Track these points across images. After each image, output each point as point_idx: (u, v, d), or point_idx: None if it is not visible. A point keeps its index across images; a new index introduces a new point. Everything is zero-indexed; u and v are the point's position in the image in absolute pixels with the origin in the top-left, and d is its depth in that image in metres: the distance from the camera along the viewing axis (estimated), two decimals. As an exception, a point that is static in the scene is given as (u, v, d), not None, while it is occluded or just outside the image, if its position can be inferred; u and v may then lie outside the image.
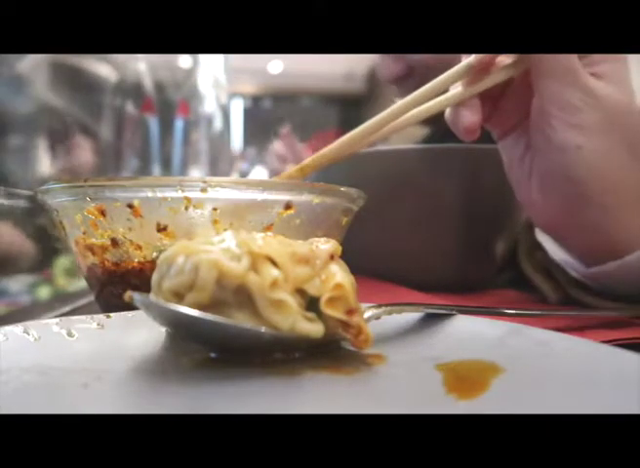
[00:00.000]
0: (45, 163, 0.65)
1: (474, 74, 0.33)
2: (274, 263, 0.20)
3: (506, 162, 0.37)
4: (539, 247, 0.40)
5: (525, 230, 0.43)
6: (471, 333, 0.23)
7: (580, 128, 0.30)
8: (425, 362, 0.20)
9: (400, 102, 0.35)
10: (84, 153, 0.74)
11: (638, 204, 0.32)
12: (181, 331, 0.21)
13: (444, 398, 0.17)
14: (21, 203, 0.52)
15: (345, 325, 0.20)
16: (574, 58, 0.30)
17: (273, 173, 0.93)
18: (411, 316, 0.25)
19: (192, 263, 0.19)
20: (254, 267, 0.19)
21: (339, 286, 0.20)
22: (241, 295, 0.19)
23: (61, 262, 0.75)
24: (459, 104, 0.34)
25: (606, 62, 0.31)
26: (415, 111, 0.36)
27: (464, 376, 0.19)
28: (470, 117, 0.33)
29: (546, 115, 0.31)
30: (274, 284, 0.19)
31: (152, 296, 0.21)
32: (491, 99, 0.35)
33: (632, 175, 0.32)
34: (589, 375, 0.17)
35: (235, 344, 0.20)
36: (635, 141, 0.31)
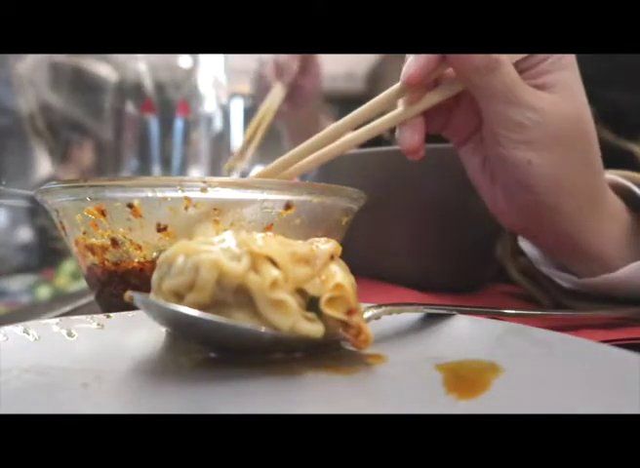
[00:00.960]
0: (45, 163, 0.65)
1: (411, 93, 0.33)
2: (274, 263, 0.20)
3: (468, 169, 0.37)
4: (521, 252, 0.40)
5: (508, 235, 0.43)
6: (471, 333, 0.23)
7: (528, 143, 0.30)
8: (425, 362, 0.20)
9: (336, 124, 0.34)
10: (85, 155, 0.74)
11: (594, 208, 0.33)
12: (182, 331, 0.21)
13: (444, 398, 0.17)
14: (21, 203, 0.52)
15: (345, 325, 0.20)
16: (514, 73, 0.30)
17: (259, 88, 0.73)
18: (411, 316, 0.25)
19: (192, 263, 0.19)
20: (254, 267, 0.19)
21: (339, 286, 0.20)
22: (241, 295, 0.19)
23: (67, 266, 0.75)
24: (402, 124, 0.34)
25: (552, 73, 0.31)
26: (355, 134, 0.35)
27: (464, 376, 0.19)
28: (409, 138, 0.33)
29: (494, 134, 0.31)
30: (274, 284, 0.19)
31: (152, 296, 0.21)
32: (446, 109, 0.35)
33: (585, 182, 0.32)
34: (589, 375, 0.17)
35: (235, 344, 0.20)
36: (587, 148, 0.32)
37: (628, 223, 0.34)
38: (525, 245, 0.39)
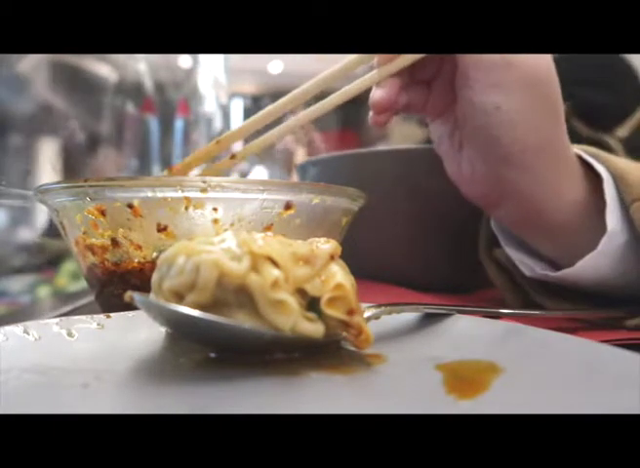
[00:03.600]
0: (46, 164, 0.65)
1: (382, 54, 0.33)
2: (275, 263, 0.20)
3: (436, 139, 0.37)
4: (497, 243, 0.39)
5: (483, 226, 0.42)
6: (471, 333, 0.23)
7: (498, 87, 0.31)
8: (425, 362, 0.20)
9: (306, 85, 0.34)
10: (108, 164, 0.74)
11: (558, 169, 0.33)
12: (182, 332, 0.21)
13: (444, 398, 0.17)
14: (21, 203, 0.52)
15: (346, 325, 0.20)
16: None
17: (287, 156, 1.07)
18: (410, 316, 0.25)
19: (193, 263, 0.19)
20: (254, 267, 0.19)
21: (339, 286, 0.20)
22: (241, 296, 0.19)
23: (67, 266, 0.75)
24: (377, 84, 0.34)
25: None
26: (328, 99, 0.35)
27: (464, 376, 0.19)
28: (379, 93, 0.33)
29: (465, 77, 0.31)
30: (275, 284, 0.19)
31: (152, 297, 0.21)
32: (425, 85, 0.35)
33: (550, 138, 0.32)
34: (589, 375, 0.17)
35: (235, 344, 0.20)
36: (552, 106, 0.32)
37: (589, 194, 0.34)
38: (495, 225, 0.39)
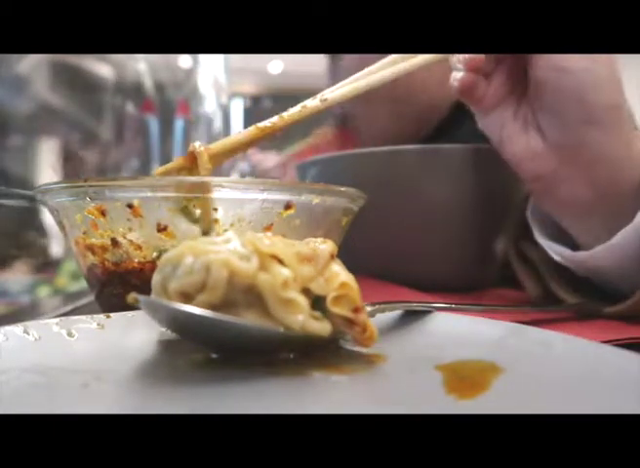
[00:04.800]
0: (46, 164, 0.64)
1: None
2: (281, 263, 0.20)
3: (496, 129, 0.37)
4: (525, 236, 0.39)
5: (516, 217, 0.42)
6: (471, 333, 0.23)
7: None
8: (425, 362, 0.20)
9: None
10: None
11: (630, 126, 0.34)
12: (187, 333, 0.21)
13: (444, 398, 0.17)
14: (21, 203, 0.52)
15: (351, 322, 0.20)
16: None
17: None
18: (411, 316, 0.25)
19: (202, 263, 0.19)
20: (262, 267, 0.19)
21: (344, 284, 0.20)
22: (249, 295, 0.19)
23: (67, 266, 0.75)
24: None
25: None
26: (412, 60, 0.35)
27: (464, 376, 0.19)
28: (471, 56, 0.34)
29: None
30: (285, 283, 0.19)
31: (154, 298, 0.21)
32: (484, 77, 0.36)
33: (623, 98, 0.34)
34: (589, 375, 0.17)
35: (243, 345, 0.20)
36: (621, 86, 0.34)
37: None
38: (531, 214, 0.39)
